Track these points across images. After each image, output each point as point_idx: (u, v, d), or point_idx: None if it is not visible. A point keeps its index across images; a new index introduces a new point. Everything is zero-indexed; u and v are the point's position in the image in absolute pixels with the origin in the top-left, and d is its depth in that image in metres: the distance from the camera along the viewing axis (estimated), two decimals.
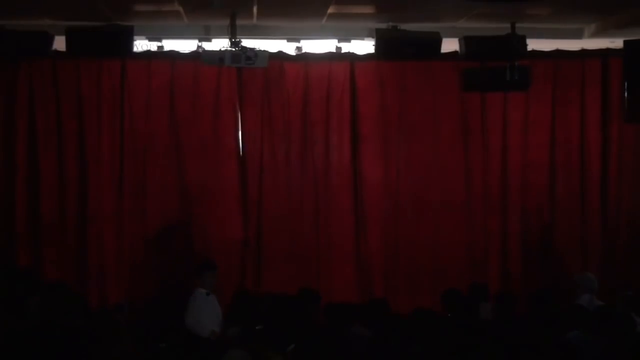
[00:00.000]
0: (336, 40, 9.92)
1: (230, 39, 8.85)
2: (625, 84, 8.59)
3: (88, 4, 8.60)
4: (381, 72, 10.36)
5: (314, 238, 10.29)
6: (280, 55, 10.01)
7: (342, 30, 9.79)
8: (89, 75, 10.07)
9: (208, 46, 9.40)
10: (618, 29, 9.32)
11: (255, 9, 8.90)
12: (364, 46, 9.92)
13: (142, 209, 10.09)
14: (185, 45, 9.90)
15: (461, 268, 10.23)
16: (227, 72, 10.02)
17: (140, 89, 10.13)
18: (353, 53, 10.11)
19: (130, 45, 9.04)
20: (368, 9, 9.06)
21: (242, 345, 6.00)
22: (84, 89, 10.07)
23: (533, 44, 9.46)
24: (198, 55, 9.40)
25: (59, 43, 9.02)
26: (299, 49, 10.01)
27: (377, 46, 9.17)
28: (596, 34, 9.79)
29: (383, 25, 9.22)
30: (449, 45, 9.35)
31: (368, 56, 9.93)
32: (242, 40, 8.89)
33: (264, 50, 8.98)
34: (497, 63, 9.41)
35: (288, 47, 10.01)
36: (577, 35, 9.95)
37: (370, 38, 9.35)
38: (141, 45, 9.81)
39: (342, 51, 10.01)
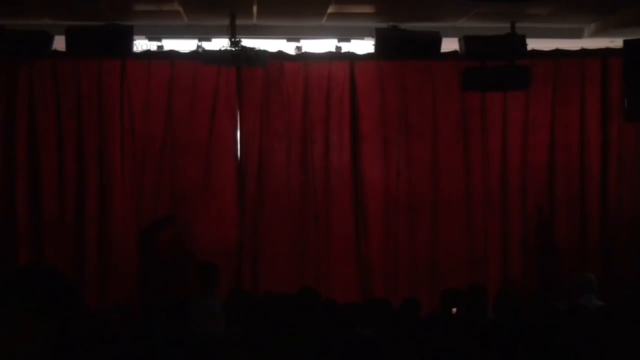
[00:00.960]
0: (336, 40, 9.92)
1: (230, 39, 8.85)
2: (625, 83, 8.59)
3: (88, 4, 8.61)
4: (381, 71, 10.36)
5: (314, 238, 10.29)
6: (280, 55, 10.01)
7: (342, 30, 9.79)
8: (89, 75, 10.06)
9: (208, 46, 9.40)
10: (618, 29, 9.32)
11: (255, 9, 8.89)
12: (364, 46, 9.92)
13: (142, 209, 10.10)
14: (185, 45, 9.90)
15: (461, 268, 10.23)
16: (227, 71, 10.02)
17: (140, 88, 10.13)
18: (353, 53, 10.11)
19: (130, 45, 9.04)
20: (368, 9, 9.05)
21: (243, 345, 6.00)
22: (84, 89, 10.07)
23: (533, 44, 9.46)
24: (198, 55, 9.40)
25: (59, 43, 9.03)
26: (298, 48, 10.01)
27: (377, 46, 9.17)
28: (596, 34, 9.79)
29: (383, 25, 9.22)
30: (449, 45, 9.35)
31: (368, 56, 9.94)
32: (242, 40, 8.89)
33: (264, 50, 8.99)
34: (497, 63, 9.41)
35: (288, 47, 10.02)
36: (577, 35, 9.96)
37: (370, 38, 9.35)
38: (141, 45, 9.81)
39: (342, 51, 10.01)
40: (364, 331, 7.05)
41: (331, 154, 10.34)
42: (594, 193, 10.48)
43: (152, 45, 9.85)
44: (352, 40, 9.90)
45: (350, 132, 10.37)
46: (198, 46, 9.53)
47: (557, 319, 6.91)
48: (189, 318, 8.25)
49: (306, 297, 7.96)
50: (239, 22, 8.98)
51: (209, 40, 9.49)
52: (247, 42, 8.91)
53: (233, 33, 8.91)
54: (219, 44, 9.00)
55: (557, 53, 10.35)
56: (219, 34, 9.25)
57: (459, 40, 9.28)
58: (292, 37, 9.88)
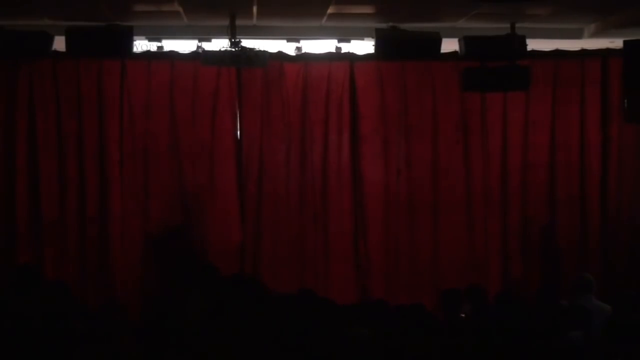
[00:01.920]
0: (336, 40, 9.92)
1: (230, 39, 8.86)
2: (625, 83, 8.59)
3: (88, 4, 8.61)
4: (381, 72, 10.36)
5: (314, 238, 10.29)
6: (280, 55, 10.02)
7: (342, 30, 9.80)
8: (89, 75, 10.06)
9: (208, 46, 9.40)
10: (618, 29, 9.32)
11: (255, 9, 8.90)
12: (364, 46, 9.93)
13: (142, 209, 10.09)
14: (185, 46, 9.90)
15: (461, 268, 10.23)
16: (227, 72, 10.03)
17: (140, 89, 10.13)
18: (353, 53, 10.11)
19: (130, 46, 9.04)
20: (368, 9, 9.06)
21: (243, 345, 5.99)
22: (84, 89, 10.07)
23: (533, 44, 9.46)
24: (198, 56, 9.41)
25: (59, 43, 9.03)
26: (298, 49, 10.02)
27: (377, 46, 9.18)
28: (596, 34, 9.79)
29: (383, 25, 9.22)
30: (449, 45, 9.36)
31: (368, 56, 9.94)
32: (242, 40, 8.90)
33: (264, 51, 8.99)
34: (497, 63, 9.41)
35: (288, 47, 10.02)
36: (577, 35, 9.96)
37: (370, 38, 9.35)
38: (141, 45, 9.82)
39: (342, 51, 10.02)
40: (362, 331, 7.05)
41: (331, 154, 10.34)
42: (594, 193, 10.48)
43: (152, 46, 9.86)
44: (352, 41, 9.90)
45: (350, 133, 10.37)
46: (198, 47, 9.54)
47: (557, 319, 6.92)
48: (189, 318, 8.26)
49: (306, 298, 7.96)
50: (238, 22, 8.99)
51: (209, 40, 9.50)
52: (247, 43, 8.91)
53: (233, 33, 8.91)
54: (219, 44, 9.00)
55: (557, 53, 10.35)
56: (219, 34, 9.25)
57: (459, 41, 9.29)
58: (292, 38, 9.88)
